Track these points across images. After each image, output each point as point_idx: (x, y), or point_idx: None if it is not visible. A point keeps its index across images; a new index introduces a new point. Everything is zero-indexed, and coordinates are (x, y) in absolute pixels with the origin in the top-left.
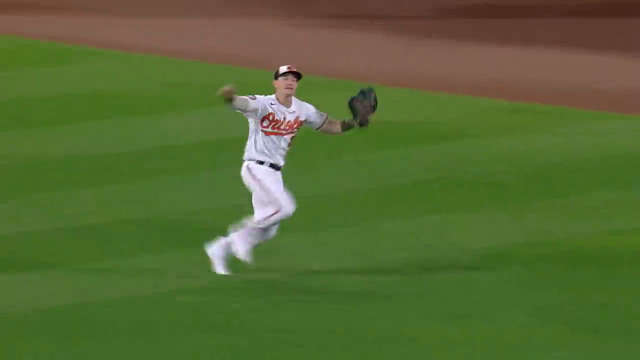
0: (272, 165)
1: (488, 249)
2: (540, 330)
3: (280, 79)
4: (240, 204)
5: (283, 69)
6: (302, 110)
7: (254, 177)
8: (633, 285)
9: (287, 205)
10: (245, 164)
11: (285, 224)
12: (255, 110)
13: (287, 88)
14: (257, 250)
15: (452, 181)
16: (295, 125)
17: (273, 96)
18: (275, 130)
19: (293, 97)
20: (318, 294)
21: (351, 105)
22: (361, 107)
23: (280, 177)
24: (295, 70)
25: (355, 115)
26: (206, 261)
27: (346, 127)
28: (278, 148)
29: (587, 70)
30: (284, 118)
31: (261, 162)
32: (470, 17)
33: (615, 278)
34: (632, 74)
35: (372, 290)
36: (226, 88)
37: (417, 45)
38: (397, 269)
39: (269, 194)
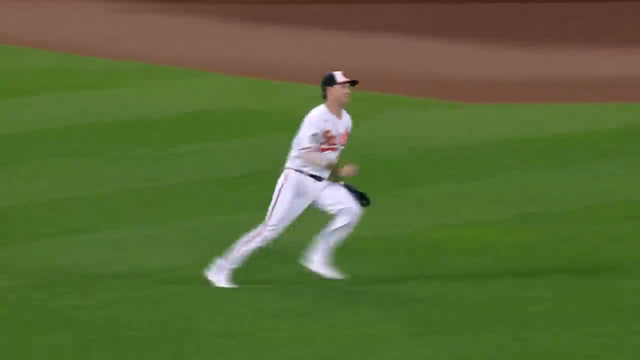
0: (312, 176)
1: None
2: (378, 327)
3: (336, 87)
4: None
5: (341, 77)
6: (348, 121)
7: (283, 184)
8: (463, 277)
9: (274, 229)
10: (285, 172)
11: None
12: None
13: (345, 96)
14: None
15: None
16: (345, 138)
17: (323, 108)
18: (330, 147)
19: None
20: (152, 289)
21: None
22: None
23: (307, 198)
24: (354, 79)
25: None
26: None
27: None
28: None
29: (427, 57)
30: (338, 132)
31: (301, 171)
32: (308, 3)
33: (448, 270)
34: (472, 62)
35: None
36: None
37: (252, 30)
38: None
39: (274, 207)
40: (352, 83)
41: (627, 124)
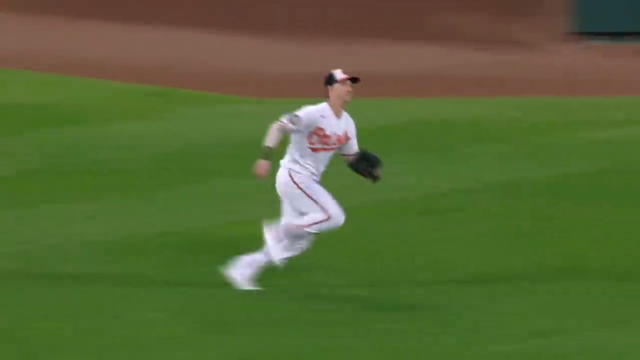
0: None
1: (111, 243)
2: (168, 328)
3: (337, 85)
4: None
5: (340, 75)
6: (350, 125)
7: (296, 183)
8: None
9: (338, 215)
10: (285, 169)
11: None
12: (298, 131)
13: (347, 94)
14: None
15: (75, 168)
16: (343, 141)
17: (324, 105)
18: (324, 146)
19: (344, 110)
20: None
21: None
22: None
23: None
24: (355, 76)
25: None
26: None
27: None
28: (321, 164)
29: (218, 52)
30: (334, 133)
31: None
32: None
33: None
34: (261, 56)
35: None
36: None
37: (36, 23)
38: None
39: (317, 200)
40: (353, 80)
41: (411, 119)
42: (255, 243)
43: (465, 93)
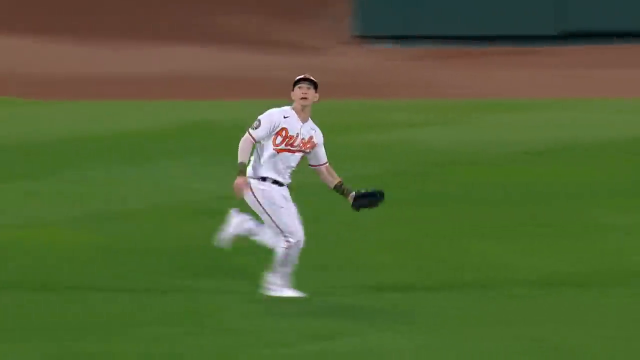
0: (275, 182)
1: None
2: None
3: (295, 88)
4: None
5: (298, 77)
6: (316, 133)
7: (258, 200)
8: (28, 282)
9: (296, 238)
10: (250, 183)
11: None
12: (265, 136)
13: (302, 98)
14: None
15: None
16: (308, 145)
17: (288, 108)
18: (288, 147)
19: (310, 118)
20: None
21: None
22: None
23: (287, 194)
24: (310, 77)
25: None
26: None
27: (339, 190)
28: (287, 167)
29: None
30: (297, 134)
31: (264, 179)
32: None
33: (18, 275)
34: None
35: None
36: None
37: None
38: None
39: (277, 223)
40: (309, 82)
41: (179, 122)
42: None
43: (244, 95)
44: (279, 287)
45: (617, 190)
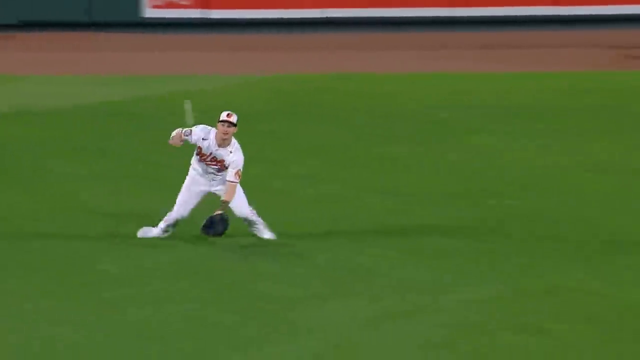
0: (199, 174)
1: None
2: None
3: (219, 124)
4: None
5: (222, 116)
6: (232, 159)
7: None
8: None
9: (176, 211)
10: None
11: None
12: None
13: (223, 136)
14: None
15: None
16: (220, 165)
17: (213, 131)
18: (204, 159)
19: (234, 141)
20: None
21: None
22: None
23: (202, 184)
24: (231, 120)
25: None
26: None
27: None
28: (206, 171)
29: None
30: (211, 153)
31: (194, 168)
32: None
33: None
34: None
35: None
36: (173, 140)
37: None
38: None
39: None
40: (231, 124)
41: None
42: None
43: None
44: (145, 232)
45: (65, 146)
